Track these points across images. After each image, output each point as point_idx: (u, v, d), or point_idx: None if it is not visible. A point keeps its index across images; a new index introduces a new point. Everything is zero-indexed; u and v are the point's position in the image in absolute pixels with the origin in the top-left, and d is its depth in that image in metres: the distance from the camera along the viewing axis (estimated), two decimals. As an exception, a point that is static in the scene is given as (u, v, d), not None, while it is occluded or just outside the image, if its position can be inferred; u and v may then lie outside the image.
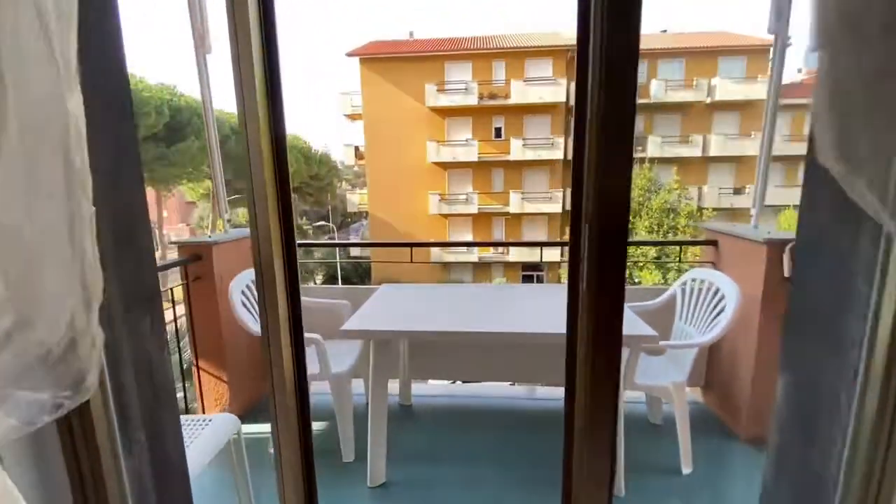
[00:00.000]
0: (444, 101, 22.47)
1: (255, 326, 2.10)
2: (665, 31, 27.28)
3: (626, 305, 2.23)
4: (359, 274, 24.86)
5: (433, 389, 3.02)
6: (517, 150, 22.28)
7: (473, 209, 23.19)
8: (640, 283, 17.62)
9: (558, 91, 21.90)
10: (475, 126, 23.31)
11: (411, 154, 23.43)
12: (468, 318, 2.06)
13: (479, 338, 1.95)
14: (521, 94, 21.91)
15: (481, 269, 24.25)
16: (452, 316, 2.09)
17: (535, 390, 2.99)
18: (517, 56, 22.89)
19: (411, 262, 3.01)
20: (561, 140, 22.33)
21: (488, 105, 22.70)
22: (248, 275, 2.45)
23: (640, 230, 17.49)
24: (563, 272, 19.18)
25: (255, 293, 2.47)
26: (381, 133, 23.62)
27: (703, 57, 22.59)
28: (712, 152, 22.18)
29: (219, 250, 2.49)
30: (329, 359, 2.15)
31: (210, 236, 2.52)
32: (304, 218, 53.42)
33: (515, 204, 22.81)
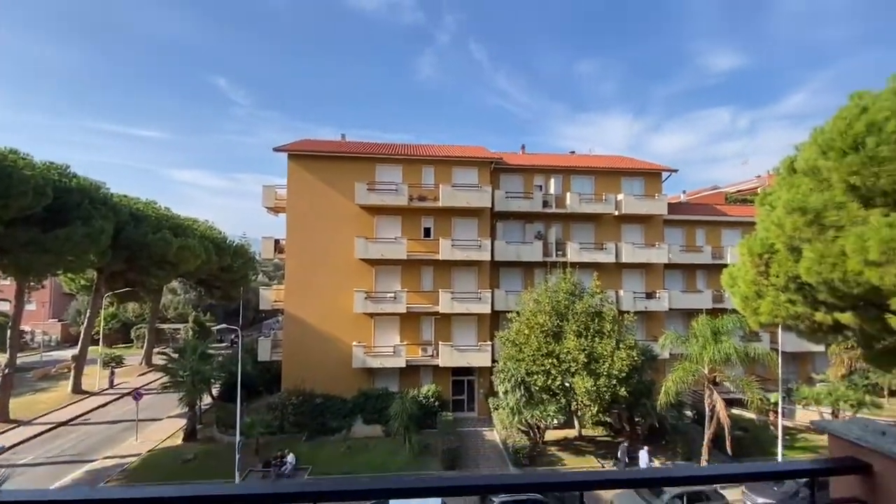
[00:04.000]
0: (375, 199, 22.46)
1: None
2: (573, 152, 31.05)
3: None
4: (266, 381, 21.59)
5: None
6: (446, 250, 22.31)
7: (402, 308, 22.09)
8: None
9: (484, 197, 23.02)
10: (405, 225, 23.30)
11: (337, 249, 22.46)
12: None
13: None
14: (449, 197, 22.64)
15: (409, 374, 22.40)
16: None
17: None
18: (445, 164, 24.13)
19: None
20: (488, 242, 22.91)
21: (418, 206, 23.04)
22: None
23: (568, 334, 17.38)
24: (498, 380, 18.14)
25: None
26: (305, 227, 22.62)
27: (608, 176, 25.57)
28: (624, 259, 24.01)
29: None
30: None
31: None
32: (209, 314, 47.98)
33: (445, 303, 22.19)
